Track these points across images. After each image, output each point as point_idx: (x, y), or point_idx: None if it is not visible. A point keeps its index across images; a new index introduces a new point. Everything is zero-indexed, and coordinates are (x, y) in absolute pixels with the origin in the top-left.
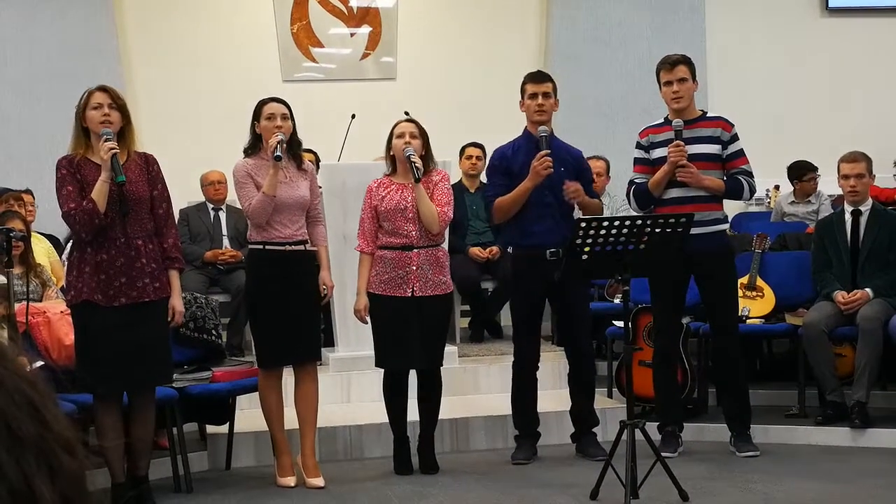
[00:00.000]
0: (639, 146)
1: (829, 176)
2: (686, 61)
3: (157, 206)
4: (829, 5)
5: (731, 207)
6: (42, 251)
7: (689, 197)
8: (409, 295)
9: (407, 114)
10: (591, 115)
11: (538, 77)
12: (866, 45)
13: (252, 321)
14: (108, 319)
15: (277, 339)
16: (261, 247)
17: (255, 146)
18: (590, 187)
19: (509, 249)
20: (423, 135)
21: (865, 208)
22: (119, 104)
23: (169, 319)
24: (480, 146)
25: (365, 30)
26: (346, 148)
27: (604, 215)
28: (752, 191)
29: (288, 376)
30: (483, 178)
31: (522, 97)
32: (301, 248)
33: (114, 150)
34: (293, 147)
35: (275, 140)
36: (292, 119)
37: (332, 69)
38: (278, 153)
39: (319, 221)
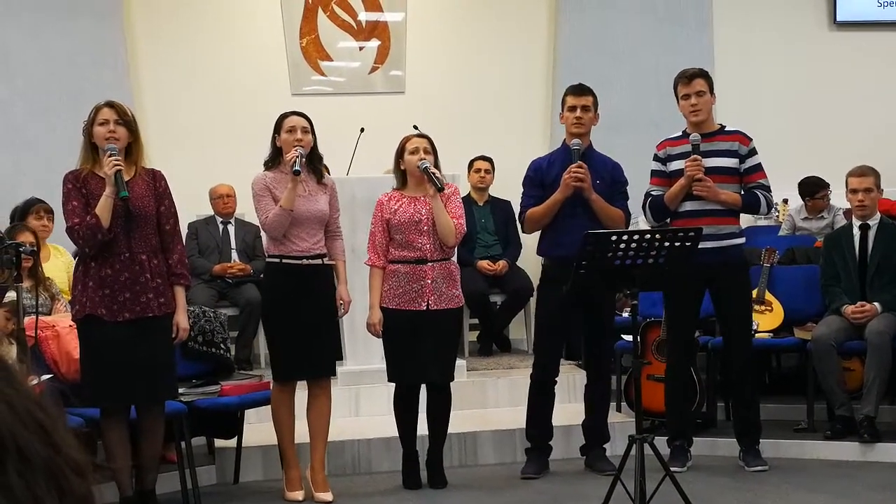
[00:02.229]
0: (656, 158)
1: (838, 189)
2: (703, 74)
3: (163, 222)
4: (837, 19)
5: (740, 221)
6: (62, 265)
7: (705, 210)
8: (425, 308)
9: (416, 128)
10: (598, 127)
11: (578, 90)
12: (874, 59)
13: (268, 334)
14: (111, 334)
15: (293, 352)
16: (278, 260)
17: (275, 159)
18: (621, 198)
19: (541, 260)
20: (434, 150)
21: (874, 222)
22: (125, 120)
23: (173, 336)
24: (489, 159)
25: (374, 43)
26: (355, 161)
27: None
28: (770, 205)
29: (299, 390)
30: (491, 191)
31: (562, 109)
32: (319, 262)
33: (117, 167)
34: (313, 161)
35: (293, 154)
36: (313, 133)
37: (341, 83)
38: (297, 167)
39: (338, 236)
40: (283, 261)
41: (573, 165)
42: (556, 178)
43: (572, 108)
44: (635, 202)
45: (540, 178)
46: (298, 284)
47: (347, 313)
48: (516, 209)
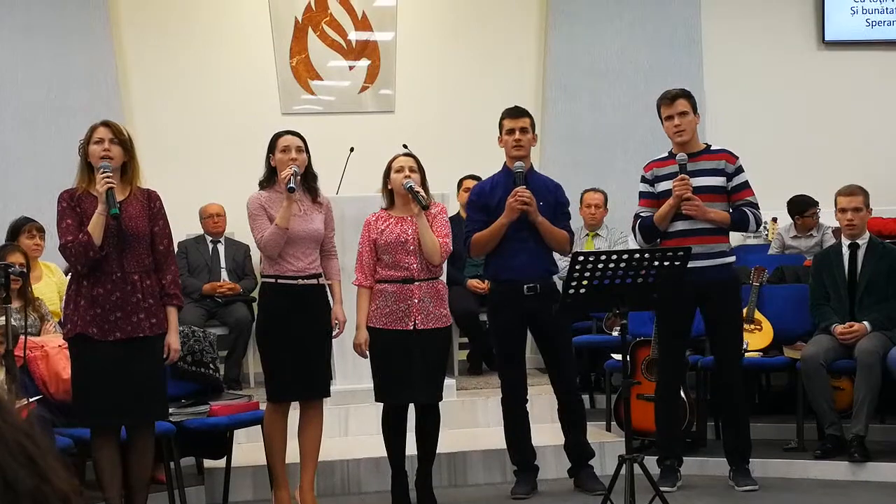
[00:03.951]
0: (644, 180)
1: (828, 208)
2: (686, 95)
3: (157, 243)
4: (826, 38)
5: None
6: (54, 284)
7: (695, 230)
8: (411, 328)
9: (405, 147)
10: (588, 147)
11: (515, 112)
12: (863, 78)
13: (262, 354)
14: (102, 353)
15: (287, 373)
16: (273, 280)
17: (269, 179)
18: (564, 219)
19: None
20: (421, 169)
21: (863, 241)
22: (121, 139)
23: (164, 356)
24: (478, 179)
25: (364, 63)
26: (345, 181)
27: (592, 249)
28: (758, 223)
29: (290, 410)
30: None
31: (500, 133)
32: (314, 281)
33: (109, 184)
34: (308, 180)
35: (288, 172)
36: (307, 152)
37: (331, 102)
38: (291, 185)
39: (333, 255)
40: (279, 281)
41: (517, 189)
42: (499, 201)
43: (510, 132)
44: (628, 222)
45: (483, 202)
46: (294, 304)
47: (342, 332)
48: None
